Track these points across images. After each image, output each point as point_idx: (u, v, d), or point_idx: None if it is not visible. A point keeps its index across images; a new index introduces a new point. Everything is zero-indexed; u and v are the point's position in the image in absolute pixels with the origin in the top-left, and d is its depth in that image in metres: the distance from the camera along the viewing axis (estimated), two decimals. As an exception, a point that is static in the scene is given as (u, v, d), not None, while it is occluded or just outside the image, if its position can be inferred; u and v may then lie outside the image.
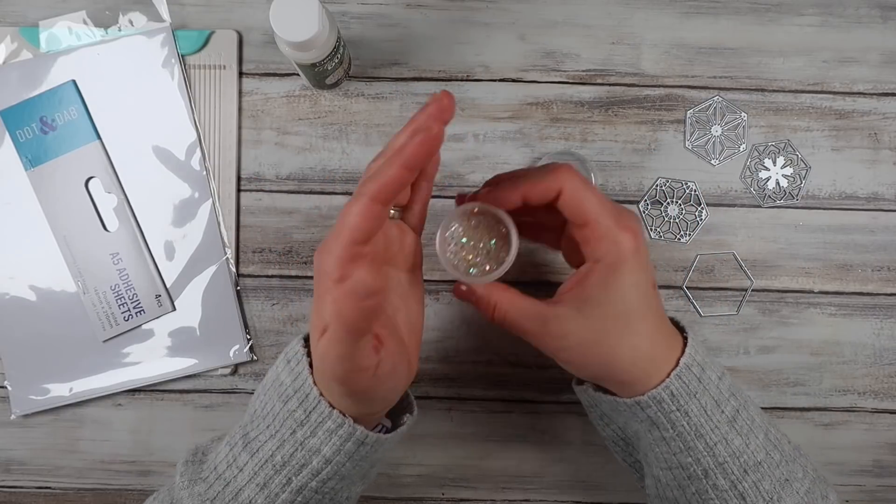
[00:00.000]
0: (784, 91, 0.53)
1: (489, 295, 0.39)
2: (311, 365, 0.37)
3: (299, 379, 0.37)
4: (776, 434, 0.39)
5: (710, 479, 0.37)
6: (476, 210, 0.39)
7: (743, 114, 0.52)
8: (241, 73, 0.52)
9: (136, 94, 0.51)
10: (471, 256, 0.39)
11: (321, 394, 0.36)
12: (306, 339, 0.38)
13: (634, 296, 0.36)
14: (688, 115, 0.52)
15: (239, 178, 0.52)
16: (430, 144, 0.31)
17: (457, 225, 0.39)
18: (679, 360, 0.37)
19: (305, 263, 0.52)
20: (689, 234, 0.52)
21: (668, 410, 0.36)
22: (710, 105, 0.52)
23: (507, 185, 0.38)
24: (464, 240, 0.39)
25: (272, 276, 0.52)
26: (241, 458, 0.37)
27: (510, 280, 0.39)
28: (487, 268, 0.40)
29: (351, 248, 0.31)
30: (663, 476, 0.39)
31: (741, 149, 0.52)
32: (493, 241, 0.39)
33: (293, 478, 0.37)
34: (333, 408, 0.36)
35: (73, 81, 0.51)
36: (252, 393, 0.52)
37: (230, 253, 0.52)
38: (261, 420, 0.38)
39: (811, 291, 0.53)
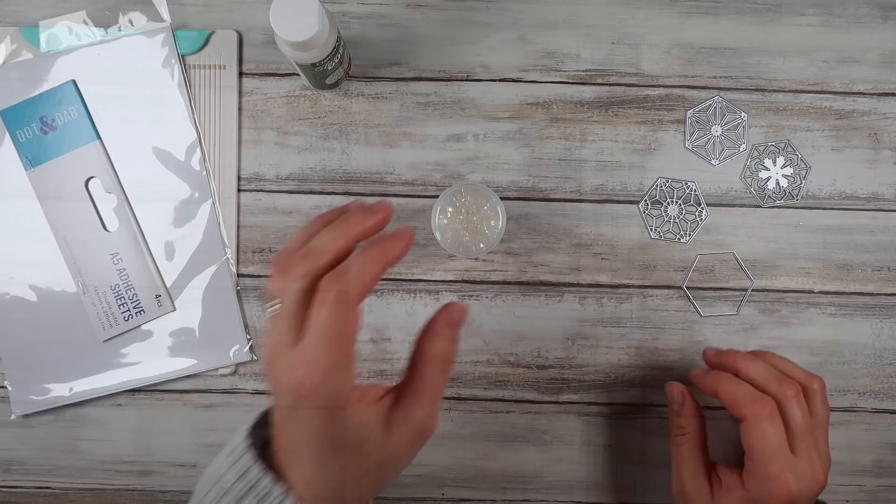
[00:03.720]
0: (784, 91, 0.53)
1: (691, 429, 0.46)
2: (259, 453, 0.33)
3: (249, 474, 0.33)
4: None
5: None
6: (462, 190, 0.41)
7: (743, 114, 0.52)
8: (241, 73, 0.52)
9: (136, 94, 0.51)
10: (466, 237, 0.41)
11: (275, 478, 0.32)
12: (248, 432, 0.34)
13: None
14: (688, 115, 0.52)
15: (239, 178, 0.52)
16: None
17: (446, 204, 0.41)
18: None
19: (305, 263, 0.52)
20: (689, 234, 0.52)
21: None
22: (710, 105, 0.52)
23: (709, 381, 0.44)
24: (449, 215, 0.41)
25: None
26: None
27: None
28: (482, 245, 0.45)
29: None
30: None
31: (741, 149, 0.52)
32: (481, 216, 0.41)
33: None
34: (288, 492, 0.32)
35: (73, 81, 0.51)
36: (253, 394, 0.52)
37: (230, 253, 0.52)
38: None
39: (811, 291, 0.53)
